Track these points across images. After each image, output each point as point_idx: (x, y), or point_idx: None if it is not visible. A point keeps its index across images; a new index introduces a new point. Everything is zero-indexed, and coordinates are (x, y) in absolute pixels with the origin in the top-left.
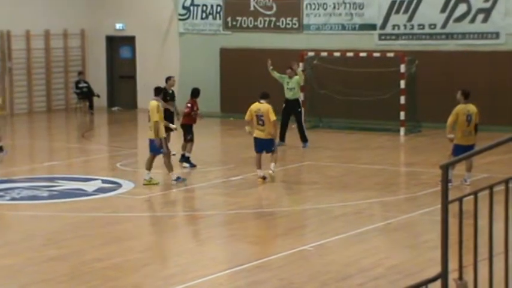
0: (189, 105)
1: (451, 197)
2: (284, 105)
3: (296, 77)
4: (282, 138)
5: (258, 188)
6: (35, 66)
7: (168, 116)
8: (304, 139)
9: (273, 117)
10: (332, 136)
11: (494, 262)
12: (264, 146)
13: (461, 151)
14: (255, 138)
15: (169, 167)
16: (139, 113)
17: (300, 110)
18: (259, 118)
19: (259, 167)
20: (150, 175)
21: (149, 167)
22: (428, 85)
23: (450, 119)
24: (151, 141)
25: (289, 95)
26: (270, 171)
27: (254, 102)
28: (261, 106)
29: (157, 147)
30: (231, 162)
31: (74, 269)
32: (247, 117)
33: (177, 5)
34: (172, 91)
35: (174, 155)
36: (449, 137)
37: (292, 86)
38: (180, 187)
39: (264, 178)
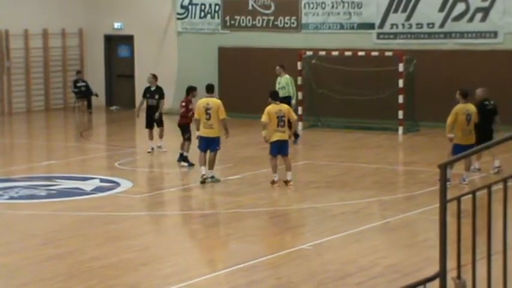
0: (183, 104)
1: (449, 196)
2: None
3: (286, 76)
4: None
5: (256, 187)
6: (33, 66)
7: (152, 113)
8: (295, 135)
9: (294, 116)
10: (330, 135)
11: (492, 261)
12: (282, 148)
13: (461, 150)
14: (276, 141)
15: (213, 164)
16: None
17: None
18: (281, 119)
19: (276, 171)
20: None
21: (204, 163)
22: (426, 84)
23: (450, 119)
24: (210, 139)
25: (280, 93)
26: (291, 184)
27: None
28: (281, 107)
29: (217, 144)
30: (229, 162)
31: (72, 268)
32: (265, 119)
33: (175, 4)
34: (157, 87)
35: (165, 151)
36: (449, 137)
37: (283, 85)
38: (179, 186)
39: (275, 182)
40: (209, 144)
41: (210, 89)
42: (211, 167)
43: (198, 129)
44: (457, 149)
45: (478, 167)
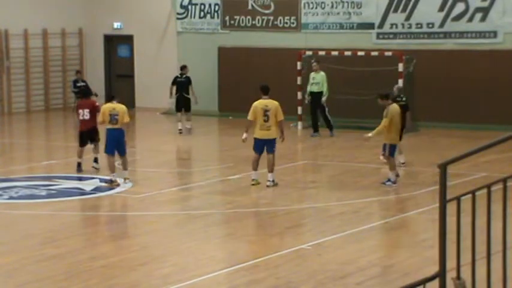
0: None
1: (449, 196)
2: (310, 98)
3: (322, 73)
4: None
5: (256, 187)
6: (33, 65)
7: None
8: (329, 127)
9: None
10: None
11: (492, 261)
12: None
13: (395, 150)
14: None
15: (273, 166)
16: (137, 112)
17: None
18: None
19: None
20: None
21: (256, 167)
22: (426, 84)
23: (386, 122)
24: (267, 141)
25: (314, 88)
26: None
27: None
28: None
29: (274, 146)
30: (229, 161)
31: (72, 267)
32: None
33: (175, 4)
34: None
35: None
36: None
37: (317, 81)
38: (179, 186)
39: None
40: (266, 146)
41: (266, 90)
42: (270, 169)
43: (246, 131)
44: (395, 148)
45: (403, 161)
